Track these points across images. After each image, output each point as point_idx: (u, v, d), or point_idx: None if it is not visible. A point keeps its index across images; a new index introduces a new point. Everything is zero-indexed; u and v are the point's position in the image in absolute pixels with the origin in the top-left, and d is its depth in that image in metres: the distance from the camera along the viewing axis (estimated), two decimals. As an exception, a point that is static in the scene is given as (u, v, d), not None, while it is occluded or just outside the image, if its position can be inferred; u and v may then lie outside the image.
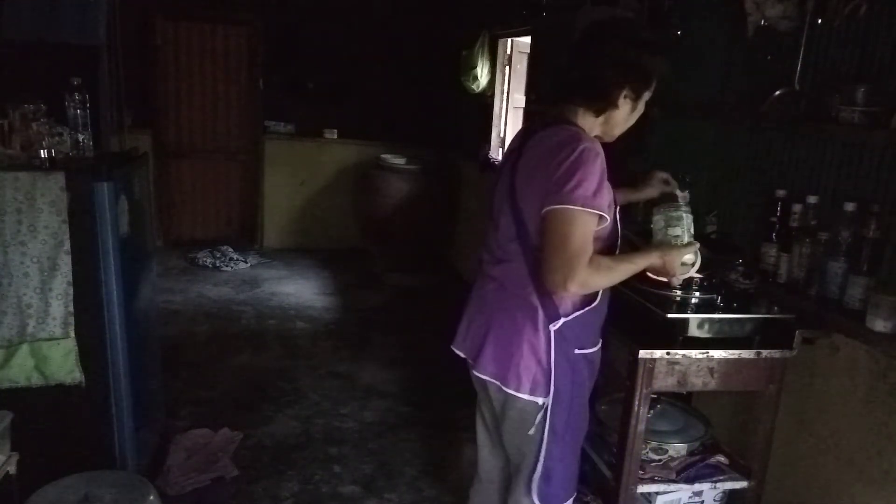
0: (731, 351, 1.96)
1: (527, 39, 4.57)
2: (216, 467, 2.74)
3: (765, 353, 1.98)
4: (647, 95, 1.67)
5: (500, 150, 5.20)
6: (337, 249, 6.35)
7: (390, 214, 5.71)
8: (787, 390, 2.12)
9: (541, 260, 1.56)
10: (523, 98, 4.64)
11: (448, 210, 6.00)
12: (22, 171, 2.07)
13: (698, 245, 1.68)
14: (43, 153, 2.16)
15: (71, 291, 2.15)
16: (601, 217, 1.55)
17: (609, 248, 1.68)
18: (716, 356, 1.96)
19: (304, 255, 6.18)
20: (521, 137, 1.73)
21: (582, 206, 1.50)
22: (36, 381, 2.19)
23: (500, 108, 5.22)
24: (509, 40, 5.06)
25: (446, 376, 3.86)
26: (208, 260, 5.68)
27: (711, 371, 1.99)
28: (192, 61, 5.91)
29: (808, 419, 2.14)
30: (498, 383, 1.69)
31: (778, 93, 2.18)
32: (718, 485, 2.13)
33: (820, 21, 2.06)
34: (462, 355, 1.86)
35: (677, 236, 1.67)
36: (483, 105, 5.26)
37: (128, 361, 2.30)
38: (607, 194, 1.58)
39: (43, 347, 2.17)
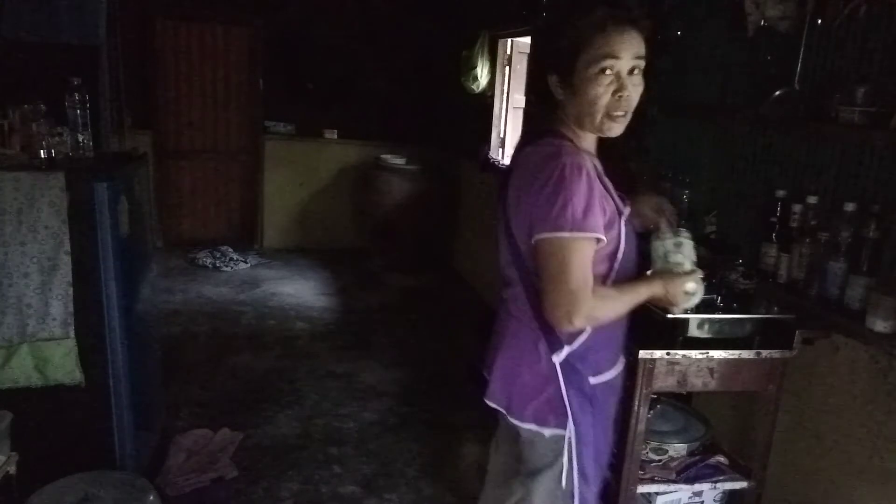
0: (731, 351, 1.96)
1: (527, 39, 4.57)
2: (216, 467, 2.74)
3: (765, 353, 1.98)
4: (586, 67, 1.39)
5: (500, 150, 5.20)
6: (337, 249, 6.35)
7: (390, 214, 5.71)
8: (787, 390, 2.12)
9: (540, 293, 1.43)
10: (523, 98, 4.64)
11: (448, 210, 6.00)
12: (22, 171, 2.08)
13: (701, 273, 1.55)
14: (43, 153, 2.17)
15: (71, 291, 2.15)
16: (598, 239, 1.40)
17: (624, 268, 1.51)
18: (716, 356, 1.96)
19: (304, 255, 6.18)
20: (517, 148, 1.61)
21: (572, 232, 1.35)
22: (36, 381, 2.19)
23: (500, 109, 5.22)
24: (509, 40, 5.06)
25: (446, 376, 3.86)
26: (208, 260, 5.68)
27: (711, 371, 1.99)
28: (192, 61, 5.91)
29: (808, 419, 2.14)
30: (504, 411, 1.58)
31: (778, 93, 2.18)
32: (718, 485, 2.13)
33: (820, 21, 2.06)
34: (487, 378, 1.69)
35: (679, 264, 1.55)
36: (483, 105, 5.26)
37: (128, 361, 2.30)
38: (601, 210, 1.40)
39: (43, 347, 2.17)
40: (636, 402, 1.96)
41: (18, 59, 3.25)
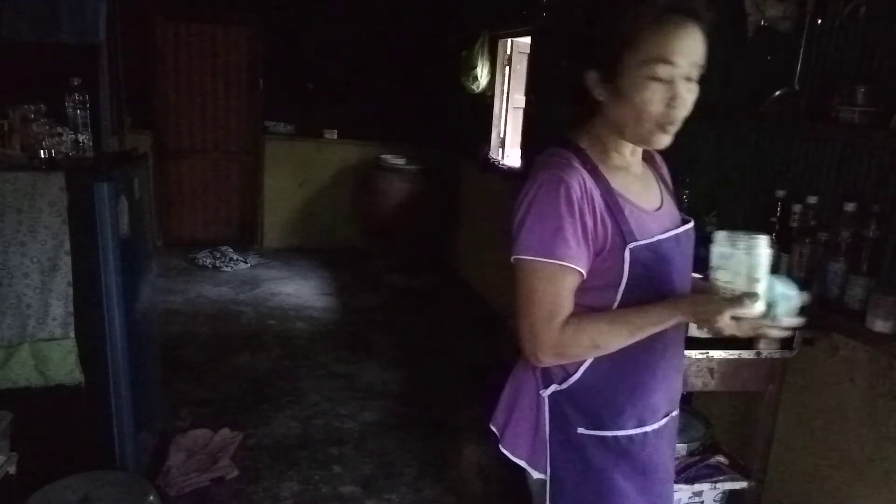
0: (730, 351, 1.96)
1: (527, 39, 4.58)
2: (216, 467, 2.74)
3: (765, 353, 1.98)
4: (638, 67, 1.16)
5: (500, 150, 5.20)
6: (337, 249, 6.35)
7: (390, 214, 5.71)
8: (787, 390, 2.12)
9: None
10: (523, 98, 4.64)
11: (448, 210, 6.00)
12: (22, 171, 2.08)
13: (758, 298, 1.11)
14: (43, 153, 2.17)
15: (71, 291, 2.15)
16: (570, 268, 1.17)
17: (644, 300, 1.22)
18: (716, 356, 1.96)
19: (304, 255, 6.18)
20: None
21: (534, 256, 1.17)
22: (36, 381, 2.19)
23: (500, 109, 5.22)
24: (509, 40, 5.06)
25: (446, 377, 3.87)
26: (208, 260, 5.68)
27: (711, 371, 1.99)
28: (192, 61, 5.91)
29: (808, 419, 2.14)
30: (499, 436, 1.45)
31: (778, 93, 2.18)
32: (718, 485, 2.13)
33: (820, 21, 2.06)
34: None
35: (726, 283, 1.15)
36: (483, 105, 5.27)
37: (128, 361, 2.30)
38: (582, 236, 1.18)
39: (43, 348, 2.17)
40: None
41: (18, 59, 3.25)
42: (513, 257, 1.21)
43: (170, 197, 6.11)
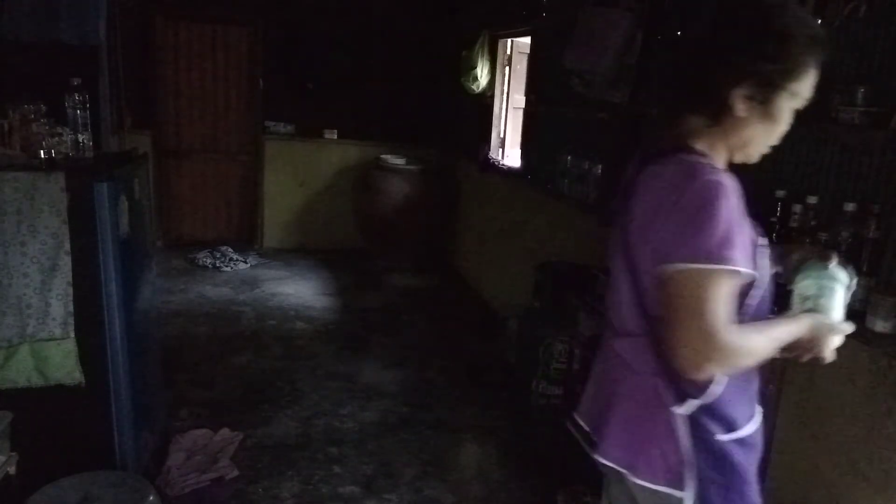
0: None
1: (527, 39, 4.58)
2: (216, 468, 2.74)
3: (765, 353, 1.98)
4: (790, 97, 1.20)
5: (500, 150, 5.20)
6: (337, 249, 6.36)
7: (390, 214, 5.71)
8: (787, 390, 2.12)
9: (666, 333, 1.18)
10: (523, 98, 4.65)
11: (448, 210, 6.00)
12: (22, 172, 2.07)
13: (851, 328, 1.29)
14: (43, 153, 2.17)
15: (71, 292, 2.15)
16: (740, 272, 1.16)
17: (760, 309, 1.28)
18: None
19: (304, 256, 6.18)
20: (635, 167, 1.35)
21: (708, 263, 1.12)
22: (36, 381, 2.19)
23: (500, 109, 5.22)
24: (509, 40, 5.06)
25: (446, 377, 3.87)
26: (208, 260, 5.68)
27: (711, 371, 1.99)
28: (192, 61, 5.91)
29: (808, 419, 2.14)
30: (625, 471, 1.34)
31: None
32: (718, 485, 2.13)
33: (820, 21, 2.06)
34: (585, 426, 1.50)
35: (828, 309, 1.28)
36: (483, 105, 5.27)
37: (128, 361, 2.30)
38: (743, 240, 1.17)
39: (43, 348, 2.17)
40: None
41: (18, 59, 3.26)
42: (675, 266, 1.15)
43: (170, 197, 6.11)
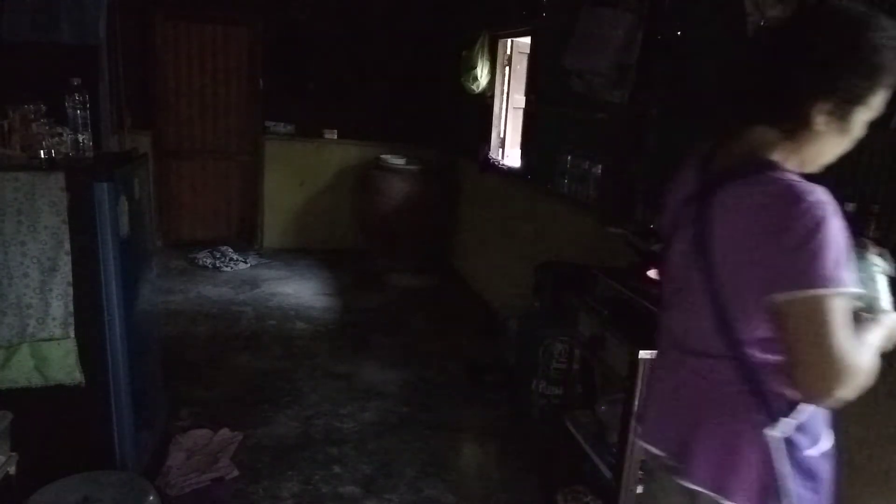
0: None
1: (527, 39, 4.57)
2: (216, 468, 2.74)
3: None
4: (867, 111, 1.19)
5: (500, 150, 5.20)
6: (337, 249, 6.36)
7: (390, 214, 5.71)
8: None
9: (793, 364, 1.15)
10: (523, 98, 4.64)
11: (448, 210, 6.00)
12: (22, 171, 2.08)
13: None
14: (43, 153, 2.17)
15: (71, 291, 2.15)
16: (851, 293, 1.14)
17: None
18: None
19: (304, 256, 6.18)
20: (697, 180, 1.31)
21: (825, 288, 1.09)
22: (36, 381, 2.19)
23: (500, 109, 5.22)
24: (509, 40, 5.06)
25: (446, 377, 3.87)
26: (208, 260, 5.68)
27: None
28: (193, 61, 5.91)
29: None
30: (715, 495, 1.30)
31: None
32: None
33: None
34: (657, 452, 1.45)
35: (881, 300, 1.28)
36: (483, 105, 5.26)
37: (128, 361, 2.30)
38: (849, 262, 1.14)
39: (43, 348, 2.17)
40: (636, 403, 1.95)
41: (18, 59, 3.26)
42: (794, 294, 1.11)
43: (170, 197, 6.11)
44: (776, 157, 1.21)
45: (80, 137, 2.35)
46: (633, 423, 1.96)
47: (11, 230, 2.08)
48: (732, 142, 1.28)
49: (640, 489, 2.06)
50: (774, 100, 1.21)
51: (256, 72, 6.00)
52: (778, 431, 1.24)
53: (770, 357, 1.22)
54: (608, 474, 2.17)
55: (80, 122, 2.35)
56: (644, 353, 1.91)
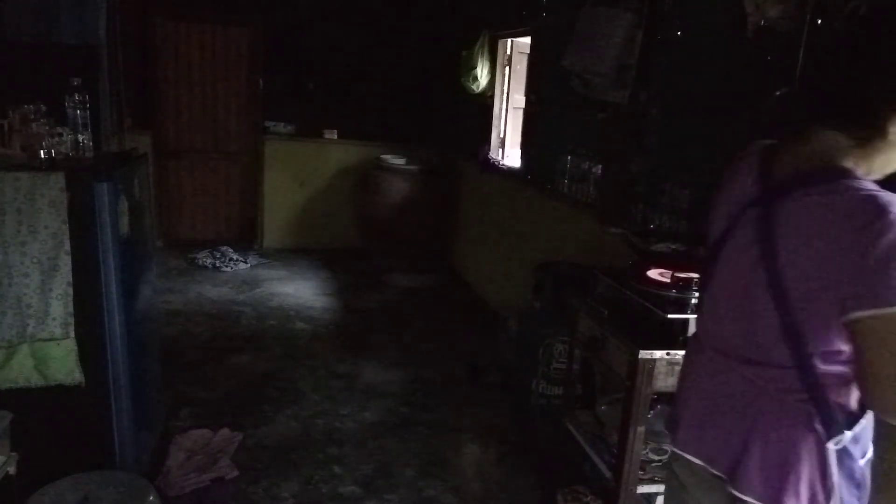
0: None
1: (527, 39, 4.57)
2: (216, 468, 2.74)
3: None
4: None
5: (500, 150, 5.20)
6: (337, 249, 6.36)
7: (390, 214, 5.71)
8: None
9: (867, 379, 1.13)
10: (523, 98, 4.64)
11: (448, 210, 6.00)
12: (22, 172, 2.07)
13: None
14: (43, 153, 2.16)
15: (71, 292, 2.15)
16: None
17: None
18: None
19: (304, 256, 6.18)
20: (757, 183, 1.28)
21: None
22: (36, 381, 2.19)
23: (500, 109, 5.22)
24: (509, 40, 5.06)
25: (446, 377, 3.87)
26: (208, 260, 5.68)
27: (711, 371, 1.99)
28: (192, 61, 5.91)
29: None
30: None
31: (778, 93, 2.18)
32: (718, 485, 2.13)
33: (820, 21, 2.06)
34: (695, 461, 1.40)
35: None
36: (483, 105, 5.26)
37: (128, 361, 2.30)
38: None
39: (43, 348, 2.17)
40: (636, 402, 1.95)
41: (18, 59, 3.25)
42: (883, 311, 1.07)
43: (170, 197, 6.11)
44: (848, 163, 1.17)
45: (80, 137, 2.35)
46: (632, 422, 1.96)
47: (11, 230, 2.08)
48: (798, 145, 1.23)
49: (640, 489, 2.06)
50: (850, 108, 1.17)
51: (256, 72, 6.00)
52: (837, 442, 1.22)
53: (834, 368, 1.20)
54: (608, 474, 2.17)
55: (80, 122, 2.35)
56: (644, 354, 1.91)
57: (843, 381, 1.21)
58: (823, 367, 1.20)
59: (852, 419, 1.22)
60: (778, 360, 1.23)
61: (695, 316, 1.90)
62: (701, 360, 1.41)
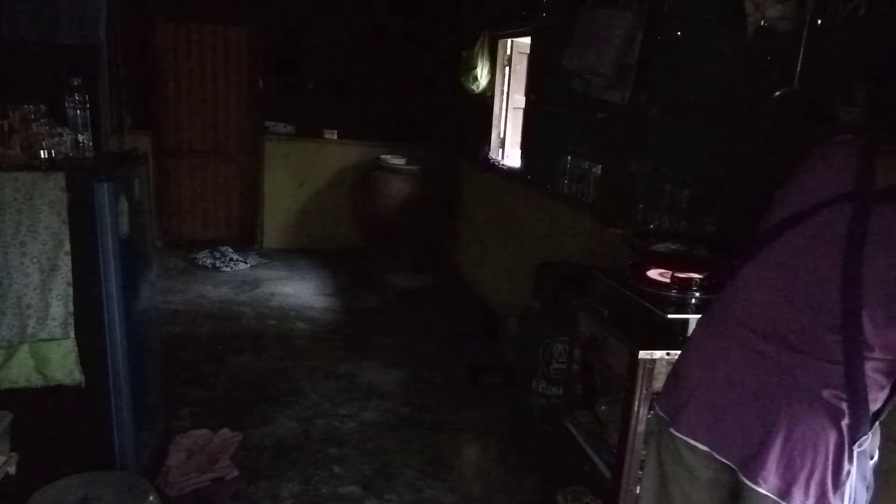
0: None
1: (527, 39, 4.57)
2: (216, 468, 2.74)
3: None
4: None
5: (500, 150, 5.20)
6: (337, 250, 6.35)
7: (390, 215, 5.71)
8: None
9: None
10: (523, 98, 4.64)
11: (448, 210, 6.00)
12: (22, 172, 2.08)
13: None
14: (43, 153, 2.17)
15: (71, 292, 2.15)
16: None
17: None
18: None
19: (304, 256, 6.18)
20: (850, 184, 1.26)
21: None
22: (36, 381, 2.19)
23: (500, 109, 5.22)
24: (509, 40, 5.06)
25: (446, 377, 3.87)
26: (208, 260, 5.68)
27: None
28: (192, 61, 5.91)
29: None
30: (778, 499, 1.27)
31: (778, 93, 2.18)
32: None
33: (820, 21, 2.06)
34: (700, 447, 1.38)
35: None
36: (483, 105, 5.26)
37: (128, 361, 2.30)
38: None
39: (43, 348, 2.17)
40: (636, 402, 1.95)
41: (18, 59, 3.25)
42: None
43: (170, 197, 6.11)
44: None
45: (80, 137, 2.35)
46: (632, 422, 1.96)
47: (11, 230, 2.08)
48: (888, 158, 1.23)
49: (639, 489, 2.06)
50: None
51: (256, 72, 6.00)
52: (860, 444, 1.24)
53: (879, 376, 1.22)
54: (608, 474, 2.17)
55: (80, 122, 2.35)
56: (643, 353, 1.91)
57: (880, 387, 1.22)
58: (872, 373, 1.21)
59: (874, 421, 1.25)
60: (828, 354, 1.22)
61: (693, 316, 1.91)
62: (720, 345, 1.38)
